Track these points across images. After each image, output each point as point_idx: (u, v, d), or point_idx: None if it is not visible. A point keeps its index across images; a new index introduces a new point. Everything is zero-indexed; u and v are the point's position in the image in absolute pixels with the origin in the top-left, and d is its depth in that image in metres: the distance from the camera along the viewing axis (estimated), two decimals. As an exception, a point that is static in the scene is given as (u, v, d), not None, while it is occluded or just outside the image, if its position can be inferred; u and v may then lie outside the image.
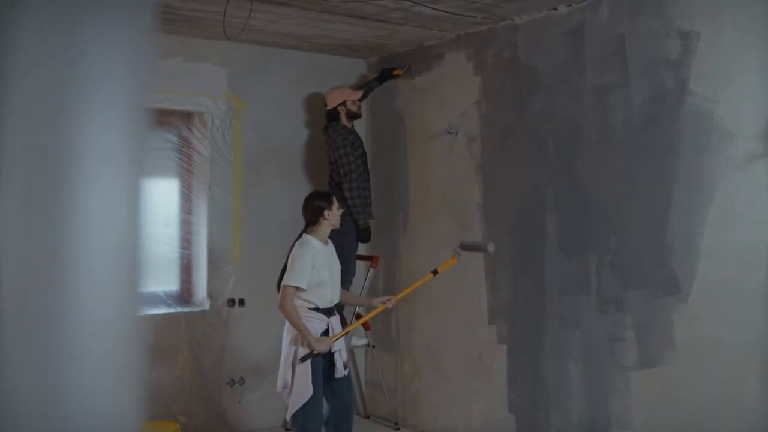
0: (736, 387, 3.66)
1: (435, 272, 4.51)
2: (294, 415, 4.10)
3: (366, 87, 5.64)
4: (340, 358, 4.23)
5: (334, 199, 4.31)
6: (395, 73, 5.59)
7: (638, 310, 4.08)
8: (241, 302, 5.51)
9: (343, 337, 4.28)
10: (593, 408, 4.30)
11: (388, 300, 4.39)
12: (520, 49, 4.75)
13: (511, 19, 4.76)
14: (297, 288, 4.04)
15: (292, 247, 4.26)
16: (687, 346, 3.86)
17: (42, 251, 1.52)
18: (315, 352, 4.04)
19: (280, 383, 4.14)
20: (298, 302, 4.09)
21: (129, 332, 1.66)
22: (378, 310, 4.47)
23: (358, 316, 5.39)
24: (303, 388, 4.05)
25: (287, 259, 4.23)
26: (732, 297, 3.68)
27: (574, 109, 4.42)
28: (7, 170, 1.49)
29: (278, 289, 4.17)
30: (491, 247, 4.44)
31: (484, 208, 5.02)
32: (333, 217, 4.23)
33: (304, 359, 4.04)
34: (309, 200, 4.30)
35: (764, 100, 3.56)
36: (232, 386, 5.47)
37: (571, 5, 4.41)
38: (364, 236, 5.38)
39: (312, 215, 4.23)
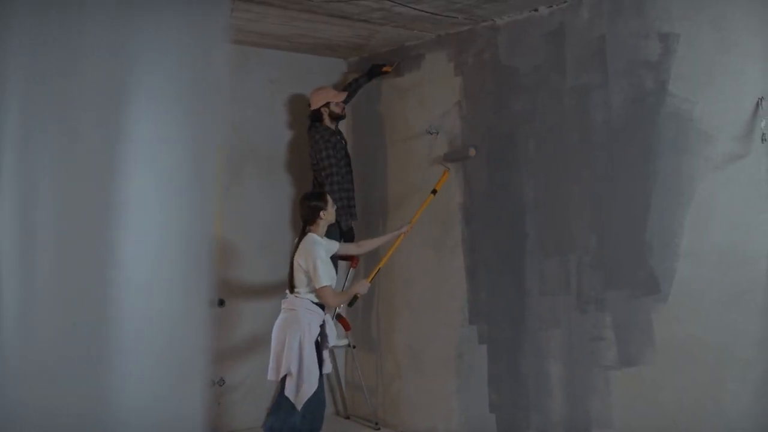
0: (715, 386, 3.69)
1: (434, 192, 5.02)
2: (298, 408, 4.28)
3: (354, 84, 5.62)
4: (329, 357, 4.43)
5: (328, 197, 4.52)
6: (384, 69, 5.54)
7: (618, 310, 4.10)
8: (221, 303, 5.47)
9: (333, 335, 4.50)
10: (573, 407, 4.32)
11: (407, 229, 4.92)
12: (501, 50, 4.76)
13: (492, 19, 4.77)
14: (330, 285, 4.33)
15: (296, 247, 4.44)
16: (666, 346, 3.89)
17: (98, 251, 1.50)
18: (358, 295, 4.63)
19: (281, 372, 4.28)
20: (308, 296, 4.35)
21: (193, 333, 1.64)
22: (400, 239, 4.95)
23: (338, 317, 5.39)
24: (314, 377, 4.28)
25: (292, 258, 4.42)
26: (711, 297, 3.71)
27: (555, 109, 4.44)
28: (69, 167, 1.47)
29: (290, 290, 4.42)
30: (472, 152, 4.87)
31: (464, 209, 5.02)
32: (329, 215, 4.49)
33: (351, 304, 4.72)
34: (305, 201, 4.52)
35: (743, 101, 3.60)
36: (211, 387, 5.43)
37: (551, 6, 4.43)
38: (348, 237, 5.38)
39: (309, 215, 4.45)
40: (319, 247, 4.36)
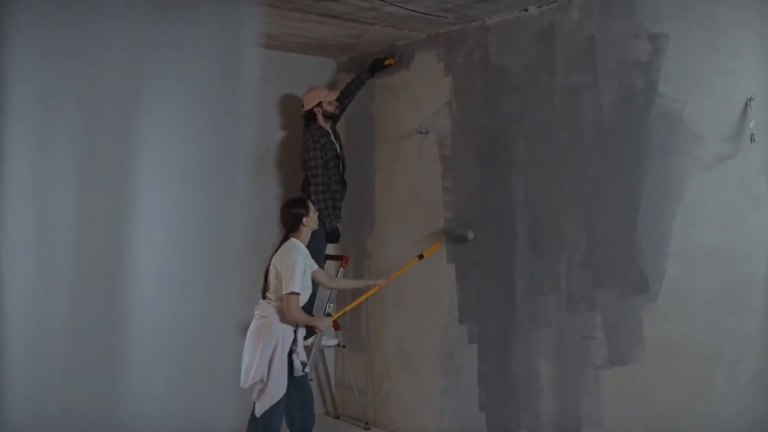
0: (704, 385, 3.71)
1: (421, 257, 5.00)
2: (257, 415, 4.26)
3: (357, 80, 5.59)
4: (298, 358, 4.35)
5: (310, 204, 4.48)
6: (387, 63, 5.48)
7: (608, 309, 4.12)
8: (211, 302, 5.46)
9: (301, 339, 4.42)
10: (564, 407, 4.33)
11: (384, 282, 4.85)
12: (491, 50, 4.77)
13: (482, 19, 4.78)
14: (298, 294, 4.22)
15: (275, 251, 4.40)
16: (656, 345, 3.90)
17: (116, 249, 1.49)
18: (318, 330, 4.60)
19: (252, 379, 4.22)
20: (277, 303, 4.28)
21: (221, 337, 1.63)
22: (373, 290, 4.91)
23: (328, 315, 5.38)
24: (280, 386, 4.23)
25: (269, 264, 4.37)
26: (700, 296, 3.73)
27: (545, 109, 4.45)
28: (86, 167, 1.46)
29: (262, 295, 4.37)
30: (471, 235, 4.80)
31: (454, 208, 5.03)
32: (311, 221, 4.44)
33: (307, 337, 4.54)
34: (286, 208, 4.47)
35: (732, 101, 3.61)
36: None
37: (541, 6, 4.44)
38: (332, 238, 5.37)
39: (291, 223, 4.40)
40: (300, 253, 4.30)
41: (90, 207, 1.59)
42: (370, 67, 5.55)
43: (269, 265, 4.36)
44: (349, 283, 5.03)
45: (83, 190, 1.56)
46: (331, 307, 5.51)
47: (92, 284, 1.57)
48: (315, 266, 4.51)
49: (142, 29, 1.59)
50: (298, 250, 4.32)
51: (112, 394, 1.57)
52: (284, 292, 4.20)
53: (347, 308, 5.12)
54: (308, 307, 5.04)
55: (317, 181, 5.26)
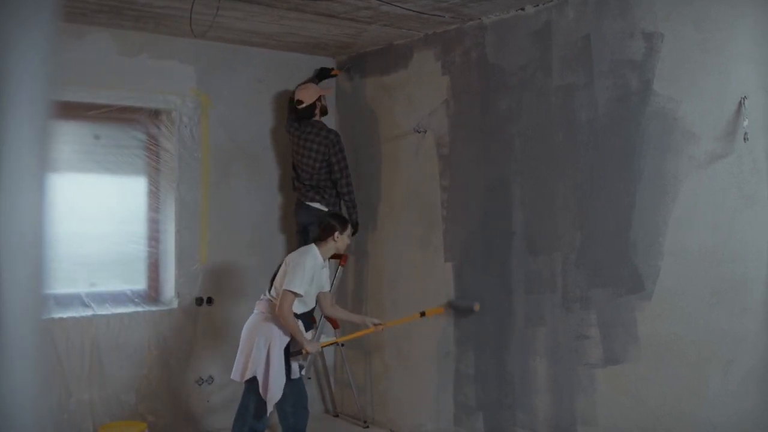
0: (698, 384, 3.72)
1: (423, 314, 4.89)
2: (246, 415, 4.38)
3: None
4: (296, 362, 4.39)
5: (350, 228, 4.47)
6: (333, 72, 5.76)
7: (603, 308, 4.12)
8: (209, 301, 5.49)
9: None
10: (559, 405, 4.34)
11: (379, 325, 4.65)
12: (488, 49, 4.78)
13: (479, 18, 4.78)
14: (296, 294, 4.20)
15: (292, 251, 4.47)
16: (650, 344, 3.91)
17: None
18: (305, 351, 4.31)
19: (246, 374, 4.27)
20: (277, 302, 4.28)
21: (32, 334, 1.64)
22: (368, 330, 4.73)
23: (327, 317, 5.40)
24: (281, 382, 4.24)
25: (282, 262, 4.40)
26: (694, 295, 3.73)
27: (541, 108, 4.45)
28: None
29: (269, 288, 4.40)
30: (477, 307, 4.77)
31: (451, 207, 5.04)
32: (340, 241, 4.42)
33: (293, 355, 4.27)
34: (326, 217, 4.52)
35: (726, 100, 3.61)
36: (200, 385, 5.44)
37: (538, 5, 4.44)
38: (355, 231, 5.40)
39: (322, 232, 4.42)
40: (311, 260, 4.29)
41: None
42: (317, 74, 5.75)
43: (281, 262, 4.39)
44: (346, 315, 4.85)
45: None
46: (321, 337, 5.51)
47: None
48: (326, 288, 4.55)
49: None
50: (311, 256, 4.32)
51: None
52: (283, 287, 4.21)
53: (339, 339, 5.11)
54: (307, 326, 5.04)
55: (348, 173, 5.37)
